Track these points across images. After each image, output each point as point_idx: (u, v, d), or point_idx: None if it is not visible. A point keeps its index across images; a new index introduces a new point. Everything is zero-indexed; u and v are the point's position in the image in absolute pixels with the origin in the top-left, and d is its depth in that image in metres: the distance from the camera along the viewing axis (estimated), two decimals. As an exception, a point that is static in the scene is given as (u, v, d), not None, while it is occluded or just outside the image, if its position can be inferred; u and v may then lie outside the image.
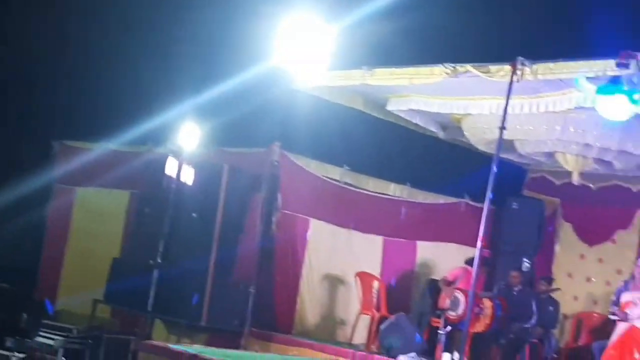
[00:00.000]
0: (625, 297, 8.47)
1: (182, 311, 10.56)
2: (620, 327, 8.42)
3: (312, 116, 11.03)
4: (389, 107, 11.47)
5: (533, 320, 11.73)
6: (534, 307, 11.78)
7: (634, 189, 13.00)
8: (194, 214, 10.83)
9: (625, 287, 8.65)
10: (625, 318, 8.36)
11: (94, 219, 12.93)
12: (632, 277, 8.61)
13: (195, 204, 10.84)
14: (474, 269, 9.30)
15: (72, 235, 13.16)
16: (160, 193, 10.84)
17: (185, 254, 10.64)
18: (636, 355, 8.26)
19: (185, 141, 10.75)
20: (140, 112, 11.75)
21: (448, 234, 12.61)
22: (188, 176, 10.78)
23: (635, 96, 8.08)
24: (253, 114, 10.98)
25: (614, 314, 8.65)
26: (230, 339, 10.41)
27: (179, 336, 10.77)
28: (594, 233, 13.33)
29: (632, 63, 7.75)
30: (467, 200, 13.00)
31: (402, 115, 11.70)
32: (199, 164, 10.84)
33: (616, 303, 8.58)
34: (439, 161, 12.63)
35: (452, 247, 12.14)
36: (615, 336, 8.46)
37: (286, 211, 11.29)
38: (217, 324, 10.64)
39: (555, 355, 12.47)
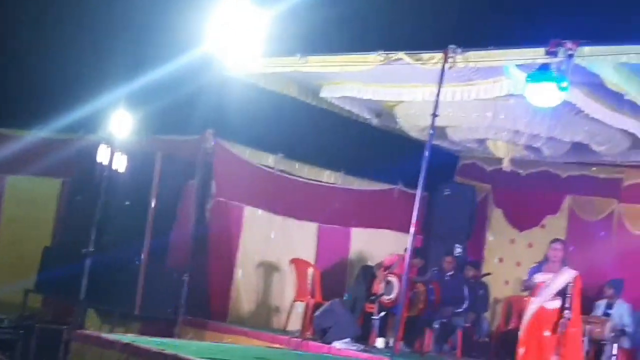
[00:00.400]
0: (538, 278, 8.66)
1: (115, 300, 10.48)
2: (531, 308, 8.60)
3: (246, 103, 10.98)
4: (323, 94, 11.50)
5: (465, 305, 11.93)
6: (466, 292, 11.98)
7: (563, 174, 13.27)
8: (126, 202, 10.74)
9: (539, 268, 8.83)
10: (529, 286, 8.56)
11: (25, 207, 12.71)
12: (546, 258, 8.78)
13: (128, 191, 10.74)
14: (407, 255, 9.43)
15: (3, 223, 12.92)
16: (92, 181, 10.71)
17: (118, 242, 10.55)
18: (546, 334, 8.43)
19: (117, 128, 10.63)
20: (72, 99, 11.57)
21: (382, 221, 12.71)
22: (120, 164, 10.66)
23: (564, 84, 8.24)
24: (186, 101, 10.90)
25: (526, 287, 8.85)
26: (164, 328, 10.37)
27: (113, 325, 10.67)
28: (523, 218, 13.58)
29: (561, 51, 7.90)
30: (400, 186, 13.11)
31: (336, 102, 11.75)
32: (131, 151, 10.74)
33: (527, 282, 8.77)
34: (373, 148, 12.70)
35: (386, 233, 12.24)
36: (526, 317, 8.64)
37: (220, 199, 11.28)
38: (150, 313, 10.58)
39: (486, 339, 12.69)
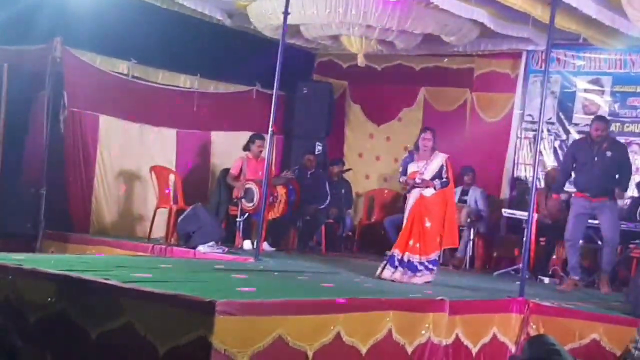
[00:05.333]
0: (411, 167, 8.77)
1: (-30, 218, 10.18)
2: (411, 198, 8.77)
3: (93, 9, 10.59)
4: (173, -4, 11.26)
5: (327, 201, 12.14)
6: (328, 189, 12.18)
7: (417, 67, 13.49)
8: (-26, 117, 10.33)
9: (410, 157, 8.95)
10: (414, 184, 8.73)
11: None
12: (417, 147, 8.91)
13: (-25, 107, 10.32)
14: (266, 157, 9.48)
15: None
16: None
17: (-33, 159, 10.19)
18: (427, 224, 8.62)
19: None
20: None
21: (241, 122, 12.64)
22: (-36, 78, 10.21)
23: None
24: (30, 9, 10.43)
25: (405, 183, 8.99)
26: (24, 243, 10.14)
27: (-31, 245, 10.38)
28: (381, 113, 13.79)
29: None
30: (258, 87, 13.04)
31: (188, 4, 11.51)
32: (-26, 64, 10.28)
33: (404, 173, 8.90)
34: (228, 50, 12.54)
35: (246, 135, 12.18)
36: (407, 207, 8.80)
37: (74, 109, 10.97)
38: (9, 229, 10.28)
39: (350, 233, 13.01)
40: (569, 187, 9.97)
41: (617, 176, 9.36)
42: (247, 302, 5.45)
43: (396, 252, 8.62)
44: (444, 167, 8.69)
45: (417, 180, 8.66)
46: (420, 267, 8.58)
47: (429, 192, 8.67)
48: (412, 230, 8.61)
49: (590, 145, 9.37)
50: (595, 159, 9.28)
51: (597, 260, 10.12)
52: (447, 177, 8.69)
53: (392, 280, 8.46)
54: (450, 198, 8.87)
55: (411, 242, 8.58)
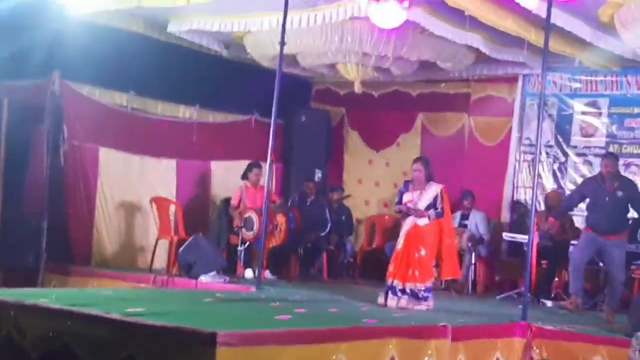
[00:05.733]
0: (406, 197, 8.82)
1: (-29, 254, 10.19)
2: (405, 226, 8.80)
3: (92, 43, 10.68)
4: (170, 29, 11.35)
5: (328, 228, 12.16)
6: (328, 216, 12.20)
7: (414, 93, 13.56)
8: (-25, 154, 10.38)
9: (405, 187, 8.97)
10: (408, 211, 8.75)
11: None
12: (413, 178, 8.96)
13: (-24, 143, 10.37)
14: (265, 186, 9.51)
15: None
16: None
17: (-32, 194, 10.22)
18: (422, 252, 8.63)
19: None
20: None
21: (241, 152, 12.68)
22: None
23: (405, 2, 8.40)
24: (30, 44, 10.50)
25: (399, 210, 9.04)
26: (27, 277, 10.15)
27: (-27, 280, 10.39)
28: (379, 138, 13.84)
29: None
30: (256, 116, 13.10)
31: (185, 36, 11.62)
32: (-26, 101, 10.35)
33: (399, 202, 8.94)
34: (226, 80, 12.61)
35: (246, 164, 12.21)
36: (401, 235, 8.83)
37: (73, 142, 11.02)
38: (10, 263, 10.32)
39: (351, 259, 13.00)
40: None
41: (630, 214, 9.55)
42: (248, 333, 5.46)
43: (396, 282, 8.61)
44: (439, 197, 8.69)
45: (410, 206, 8.67)
46: (421, 295, 8.58)
47: (422, 221, 8.68)
48: (410, 260, 8.61)
49: (601, 185, 9.46)
50: (607, 199, 9.38)
51: (598, 282, 10.13)
52: (441, 208, 8.68)
53: (399, 309, 8.44)
54: (446, 228, 8.85)
55: (410, 272, 8.58)
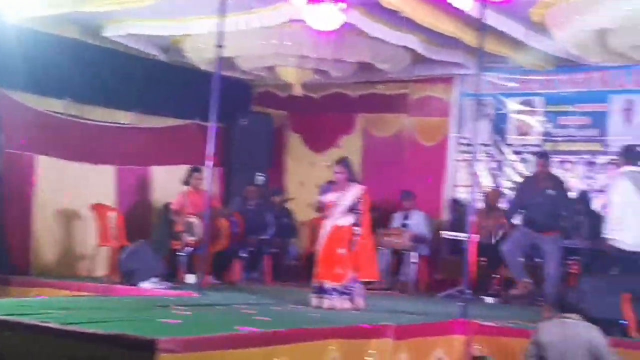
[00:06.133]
0: (328, 197, 8.84)
1: None
2: (326, 226, 8.79)
3: (27, 49, 10.57)
4: (107, 34, 11.27)
5: (270, 232, 12.16)
6: (271, 219, 12.20)
7: (354, 95, 13.63)
8: None
9: (328, 188, 9.03)
10: (321, 207, 8.79)
11: None
12: (337, 179, 8.91)
13: None
14: (207, 190, 9.48)
15: None
16: None
17: None
18: (340, 251, 8.60)
19: None
20: None
21: (182, 157, 12.60)
22: None
23: (341, 5, 8.45)
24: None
25: (319, 209, 9.08)
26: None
27: None
28: (320, 141, 13.88)
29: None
30: (197, 120, 13.02)
31: (121, 40, 11.53)
32: None
33: (322, 201, 8.95)
34: (165, 84, 12.54)
35: (186, 169, 12.14)
36: (322, 235, 8.81)
37: (10, 150, 10.86)
38: (-53, 276, 10.17)
39: (295, 262, 13.02)
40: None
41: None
42: (190, 339, 5.44)
43: (326, 282, 8.61)
44: (359, 199, 8.68)
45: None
46: (347, 292, 8.57)
47: (342, 221, 8.69)
48: (334, 258, 8.62)
49: (535, 183, 9.81)
50: (540, 196, 9.74)
51: (537, 278, 10.28)
52: (360, 210, 8.66)
53: (331, 309, 8.45)
54: (364, 230, 8.80)
55: (335, 270, 8.58)
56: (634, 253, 8.77)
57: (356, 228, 8.62)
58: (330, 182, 9.12)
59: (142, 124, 12.60)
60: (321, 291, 8.64)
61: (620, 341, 7.03)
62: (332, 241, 8.69)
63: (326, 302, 8.58)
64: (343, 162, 8.95)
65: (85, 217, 11.60)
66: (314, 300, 8.67)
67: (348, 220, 8.66)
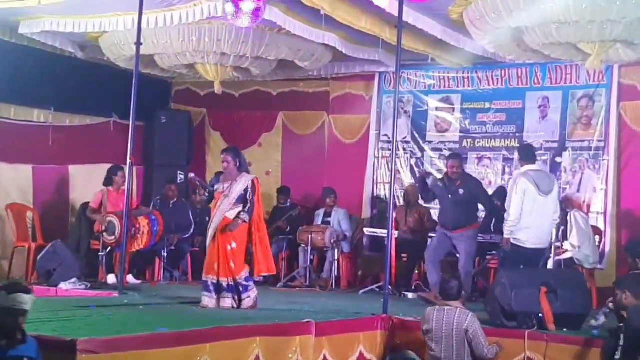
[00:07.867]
0: (218, 188, 8.57)
1: None
2: (216, 219, 8.44)
3: None
4: (22, 31, 11.00)
5: (191, 230, 12.07)
6: (191, 217, 12.11)
7: (274, 92, 13.60)
8: None
9: (217, 179, 8.79)
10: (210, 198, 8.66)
11: None
12: (225, 169, 8.62)
13: None
14: (126, 189, 9.38)
15: None
16: None
17: None
18: (233, 245, 8.38)
19: None
20: None
21: (100, 155, 12.43)
22: None
23: (260, 2, 8.48)
24: None
25: (208, 201, 8.87)
26: None
27: None
28: (241, 138, 13.72)
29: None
30: (115, 119, 12.85)
31: (37, 37, 11.28)
32: None
33: (211, 187, 8.76)
34: (83, 82, 12.32)
35: (105, 167, 11.98)
36: (211, 229, 8.46)
37: None
38: None
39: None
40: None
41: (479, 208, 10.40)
42: (110, 339, 5.40)
43: (222, 279, 8.35)
44: (249, 189, 8.46)
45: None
46: (242, 287, 8.39)
47: (232, 214, 8.42)
48: (225, 253, 8.36)
49: (446, 184, 10.18)
50: (450, 197, 10.09)
51: (456, 273, 10.44)
52: (251, 200, 8.43)
53: (226, 307, 8.27)
54: (257, 221, 8.60)
55: (228, 265, 8.33)
56: (535, 250, 9.17)
57: (242, 213, 8.36)
58: (219, 173, 8.80)
59: (59, 122, 12.37)
60: (229, 289, 8.36)
61: (536, 334, 7.20)
62: (222, 235, 8.37)
63: (208, 300, 8.32)
64: (231, 150, 8.71)
65: (2, 218, 11.37)
66: (211, 300, 8.36)
67: (237, 211, 8.39)
